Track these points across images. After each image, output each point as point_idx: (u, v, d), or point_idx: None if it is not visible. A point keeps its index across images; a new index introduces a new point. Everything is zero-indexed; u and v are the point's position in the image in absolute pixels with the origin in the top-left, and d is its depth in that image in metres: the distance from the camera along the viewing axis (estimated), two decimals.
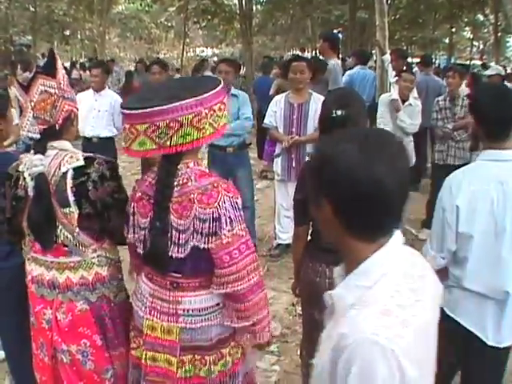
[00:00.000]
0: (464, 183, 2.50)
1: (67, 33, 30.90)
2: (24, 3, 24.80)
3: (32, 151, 2.53)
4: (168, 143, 2.08)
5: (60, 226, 2.46)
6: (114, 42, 37.28)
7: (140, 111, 2.09)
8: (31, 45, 25.47)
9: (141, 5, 28.50)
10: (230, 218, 2.16)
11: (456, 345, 2.76)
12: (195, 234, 2.16)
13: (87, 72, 13.54)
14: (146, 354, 2.34)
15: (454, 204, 2.50)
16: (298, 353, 4.06)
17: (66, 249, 2.48)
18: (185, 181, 2.17)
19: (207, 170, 2.30)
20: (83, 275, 2.50)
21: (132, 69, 20.63)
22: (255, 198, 7.33)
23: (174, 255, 2.19)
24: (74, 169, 2.43)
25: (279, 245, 5.97)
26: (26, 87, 2.49)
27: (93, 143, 6.51)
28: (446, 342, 2.77)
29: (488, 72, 9.71)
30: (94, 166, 2.44)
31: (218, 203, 2.13)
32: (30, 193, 2.44)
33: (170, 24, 34.03)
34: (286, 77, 5.97)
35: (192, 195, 2.14)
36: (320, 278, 2.83)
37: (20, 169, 2.49)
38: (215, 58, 28.39)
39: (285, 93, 5.73)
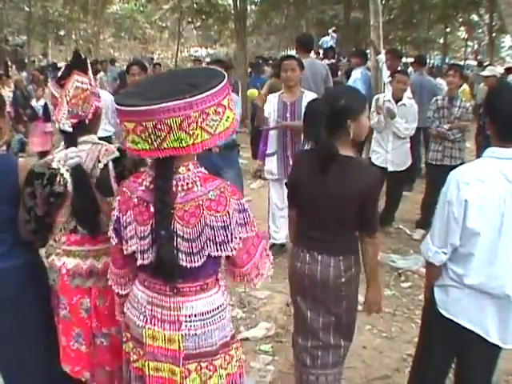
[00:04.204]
0: (472, 178, 2.48)
1: (62, 33, 30.83)
2: (19, 3, 24.73)
3: (63, 145, 2.66)
4: (163, 145, 1.96)
5: (101, 215, 2.59)
6: (108, 42, 37.20)
7: (126, 108, 2.00)
8: (25, 43, 25.42)
9: (135, 5, 28.51)
10: (240, 223, 2.13)
11: (451, 345, 2.79)
12: (210, 243, 2.08)
13: None
14: (148, 365, 2.21)
15: (463, 198, 2.47)
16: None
17: (106, 236, 2.56)
18: (190, 186, 2.07)
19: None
20: None
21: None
22: (249, 198, 7.35)
23: (187, 265, 2.09)
24: (113, 160, 2.59)
25: (273, 245, 5.96)
26: (60, 82, 2.59)
27: None
28: (441, 343, 2.81)
29: (485, 73, 9.72)
30: (127, 156, 2.58)
31: (228, 210, 2.07)
32: (70, 188, 2.56)
33: (164, 24, 33.99)
34: (279, 76, 5.96)
35: (200, 201, 2.05)
36: (301, 263, 2.87)
37: (54, 166, 2.56)
38: (208, 59, 28.37)
39: (278, 92, 5.72)
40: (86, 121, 2.60)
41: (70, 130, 2.57)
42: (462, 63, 24.17)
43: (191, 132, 1.95)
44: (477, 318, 2.61)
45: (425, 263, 2.89)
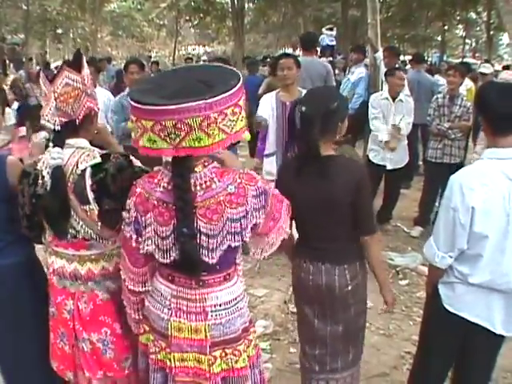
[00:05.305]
0: (476, 183, 2.47)
1: (60, 31, 30.80)
2: (17, 2, 24.69)
3: (51, 144, 2.55)
4: (181, 145, 1.97)
5: (81, 222, 2.49)
6: (106, 40, 37.20)
7: (144, 107, 1.99)
8: (23, 42, 25.37)
9: (133, 3, 28.54)
10: (256, 207, 2.15)
11: (454, 341, 2.80)
12: (229, 236, 2.13)
13: None
14: (173, 356, 2.26)
15: (470, 205, 2.46)
16: (290, 350, 4.08)
17: (87, 243, 2.53)
18: (208, 183, 2.10)
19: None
20: (104, 266, 2.56)
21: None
22: None
23: (209, 260, 2.14)
24: (92, 166, 2.45)
25: None
26: (51, 78, 2.49)
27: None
28: (444, 339, 2.81)
29: (482, 70, 9.73)
30: (111, 161, 2.45)
31: (247, 199, 2.11)
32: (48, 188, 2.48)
33: (161, 22, 34.01)
34: (275, 75, 5.95)
35: (221, 197, 2.08)
36: (304, 273, 2.85)
37: (38, 167, 2.51)
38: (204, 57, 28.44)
39: (274, 91, 5.66)
40: (77, 121, 2.48)
41: (57, 127, 2.47)
42: (459, 61, 24.15)
43: (210, 132, 1.96)
44: (484, 312, 2.63)
45: (424, 261, 2.88)
